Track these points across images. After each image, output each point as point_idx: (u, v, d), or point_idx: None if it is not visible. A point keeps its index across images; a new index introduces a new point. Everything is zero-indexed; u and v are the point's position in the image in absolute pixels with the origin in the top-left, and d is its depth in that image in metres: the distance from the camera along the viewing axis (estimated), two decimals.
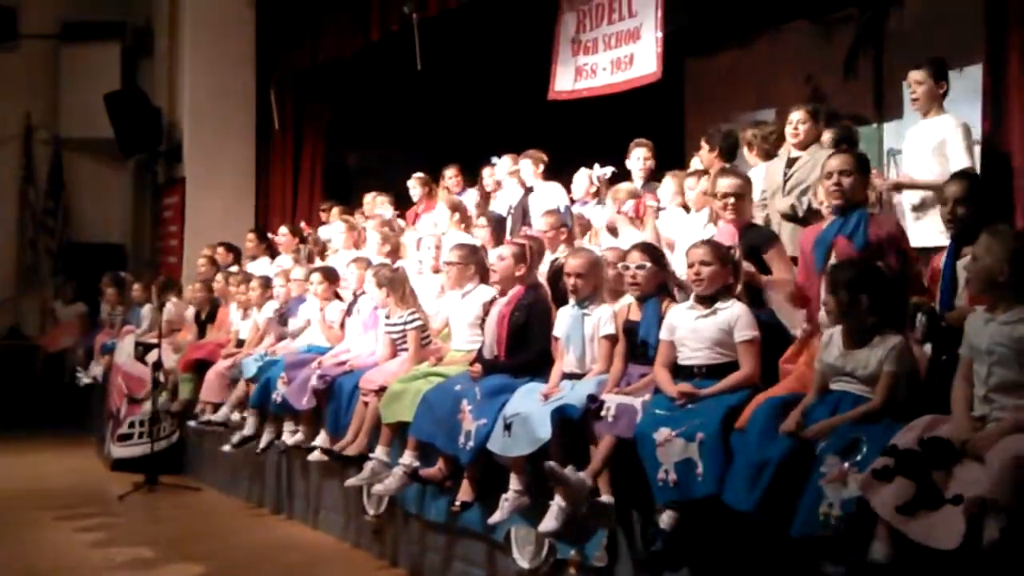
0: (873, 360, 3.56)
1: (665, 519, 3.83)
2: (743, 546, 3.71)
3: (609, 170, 6.82)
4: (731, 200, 4.66)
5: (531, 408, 4.53)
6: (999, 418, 3.16)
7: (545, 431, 4.35)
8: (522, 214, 7.42)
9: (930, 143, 5.15)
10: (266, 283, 7.90)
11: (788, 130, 5.58)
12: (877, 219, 4.14)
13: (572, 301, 4.86)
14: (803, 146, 5.48)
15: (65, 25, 12.51)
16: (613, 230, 5.96)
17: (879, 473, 3.11)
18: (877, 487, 3.12)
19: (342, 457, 5.85)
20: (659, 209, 6.02)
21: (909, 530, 3.05)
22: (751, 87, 9.94)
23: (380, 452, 5.48)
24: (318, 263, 8.25)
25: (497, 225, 6.76)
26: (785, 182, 5.45)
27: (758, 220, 5.40)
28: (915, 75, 5.22)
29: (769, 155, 5.99)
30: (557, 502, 4.27)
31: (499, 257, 5.26)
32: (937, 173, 5.02)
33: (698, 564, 3.89)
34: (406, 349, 5.88)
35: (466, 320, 5.56)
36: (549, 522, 4.28)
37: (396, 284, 6.01)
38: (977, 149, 5.32)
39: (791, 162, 5.50)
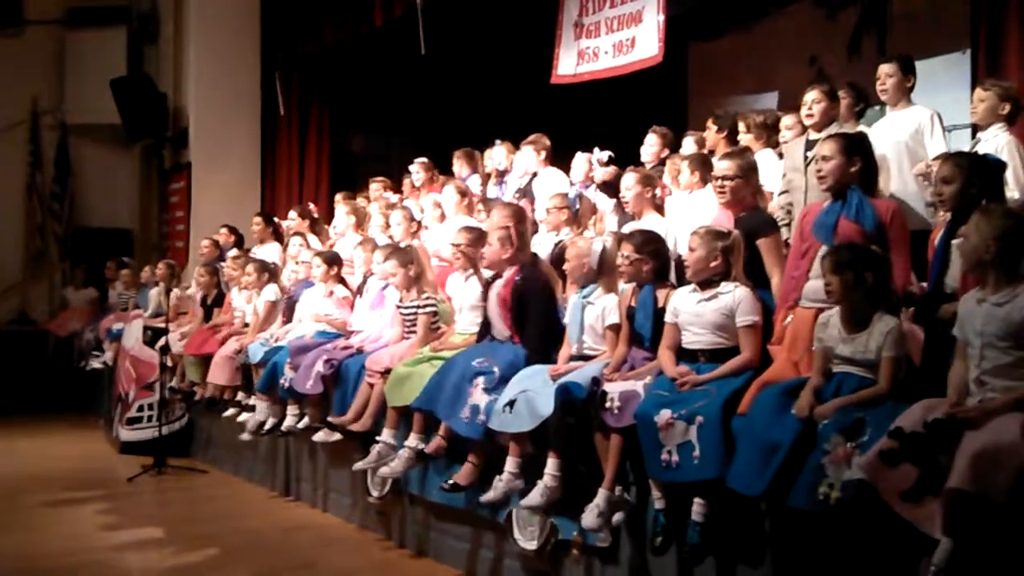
0: (872, 345, 3.56)
1: (697, 510, 3.82)
2: (762, 532, 3.72)
3: (607, 154, 6.81)
4: (725, 183, 4.59)
5: (536, 386, 4.56)
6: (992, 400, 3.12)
7: (547, 407, 4.38)
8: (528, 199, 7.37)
9: (904, 133, 5.19)
10: (263, 267, 7.87)
11: (803, 111, 5.41)
12: (880, 203, 4.07)
13: (575, 288, 4.88)
14: (819, 127, 5.30)
15: (70, 11, 12.54)
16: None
17: (885, 456, 3.07)
18: (883, 472, 3.08)
19: (348, 434, 5.86)
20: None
21: (914, 517, 3.03)
22: (755, 70, 9.93)
23: (387, 435, 5.52)
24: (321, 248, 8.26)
25: None
26: (807, 165, 5.24)
27: (779, 204, 5.37)
28: (885, 68, 5.34)
29: (768, 141, 5.97)
30: (545, 481, 4.35)
31: (487, 243, 5.26)
32: (910, 162, 5.10)
33: (728, 553, 3.87)
34: (415, 332, 5.91)
35: (468, 303, 5.57)
36: (534, 498, 4.37)
37: (414, 263, 5.99)
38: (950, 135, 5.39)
39: (810, 144, 5.25)
